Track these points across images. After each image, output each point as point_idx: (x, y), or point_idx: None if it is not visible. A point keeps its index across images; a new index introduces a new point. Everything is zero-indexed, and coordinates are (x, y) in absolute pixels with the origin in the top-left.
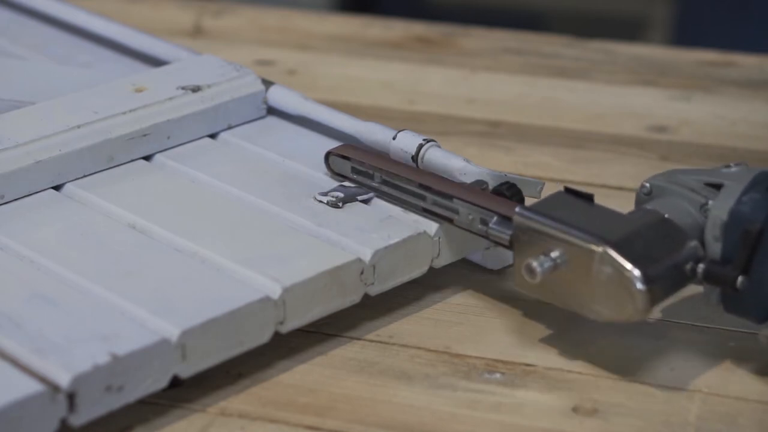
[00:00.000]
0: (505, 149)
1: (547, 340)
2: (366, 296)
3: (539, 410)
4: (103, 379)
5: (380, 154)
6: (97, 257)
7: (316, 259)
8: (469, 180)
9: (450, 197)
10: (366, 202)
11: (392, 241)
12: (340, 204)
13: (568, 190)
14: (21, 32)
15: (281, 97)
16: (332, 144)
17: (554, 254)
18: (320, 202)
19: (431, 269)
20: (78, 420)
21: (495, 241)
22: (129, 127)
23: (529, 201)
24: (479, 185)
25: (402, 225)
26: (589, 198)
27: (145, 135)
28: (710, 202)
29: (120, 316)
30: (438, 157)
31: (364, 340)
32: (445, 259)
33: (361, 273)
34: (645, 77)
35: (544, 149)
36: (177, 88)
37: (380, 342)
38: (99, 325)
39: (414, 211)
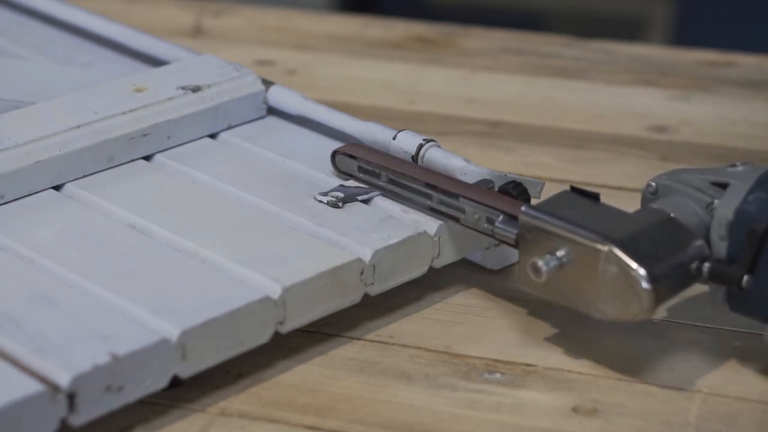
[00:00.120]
0: (505, 149)
1: (549, 340)
2: (366, 296)
3: (539, 410)
4: (103, 379)
5: (387, 154)
6: (97, 257)
7: (316, 259)
8: (469, 180)
9: (456, 196)
10: (366, 202)
11: (392, 241)
12: (340, 204)
13: (573, 189)
14: (21, 32)
15: (281, 97)
16: (332, 144)
17: (560, 253)
18: (320, 202)
19: (431, 269)
20: (78, 420)
21: (501, 240)
22: (129, 127)
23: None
24: (485, 184)
25: (402, 225)
26: (594, 197)
27: (145, 135)
28: (716, 201)
29: (120, 316)
30: (438, 157)
31: (364, 340)
32: (445, 259)
33: (361, 273)
34: (645, 77)
35: (544, 149)
36: (177, 88)
37: (380, 342)
38: (99, 325)
39: (420, 210)
